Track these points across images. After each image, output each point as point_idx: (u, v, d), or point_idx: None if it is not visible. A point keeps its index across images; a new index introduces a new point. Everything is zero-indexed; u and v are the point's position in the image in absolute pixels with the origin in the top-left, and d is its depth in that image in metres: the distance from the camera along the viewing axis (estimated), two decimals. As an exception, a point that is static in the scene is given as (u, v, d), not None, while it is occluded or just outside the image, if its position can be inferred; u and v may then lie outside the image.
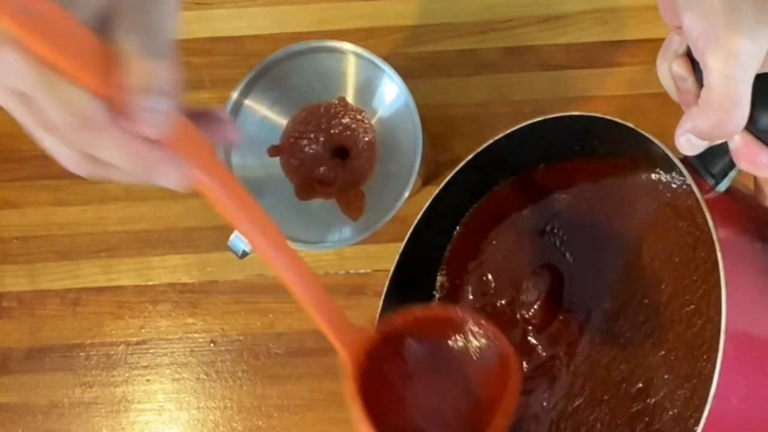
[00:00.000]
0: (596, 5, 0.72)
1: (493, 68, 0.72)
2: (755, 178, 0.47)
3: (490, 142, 0.56)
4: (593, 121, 0.51)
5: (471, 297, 0.61)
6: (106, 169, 0.38)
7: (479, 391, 0.49)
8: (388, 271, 0.71)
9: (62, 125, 0.36)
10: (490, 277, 0.61)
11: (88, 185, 0.73)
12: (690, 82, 0.43)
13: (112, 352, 0.72)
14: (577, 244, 0.59)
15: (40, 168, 0.74)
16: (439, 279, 0.61)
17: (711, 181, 0.47)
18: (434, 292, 0.61)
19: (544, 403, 0.59)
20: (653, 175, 0.55)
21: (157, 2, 0.38)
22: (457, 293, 0.62)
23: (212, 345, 0.72)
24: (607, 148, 0.55)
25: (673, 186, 0.54)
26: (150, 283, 0.73)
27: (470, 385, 0.49)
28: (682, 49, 0.43)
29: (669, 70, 0.44)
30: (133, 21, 0.37)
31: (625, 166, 0.56)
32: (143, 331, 0.72)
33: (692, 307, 0.51)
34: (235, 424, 0.71)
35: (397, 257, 0.59)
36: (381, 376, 0.47)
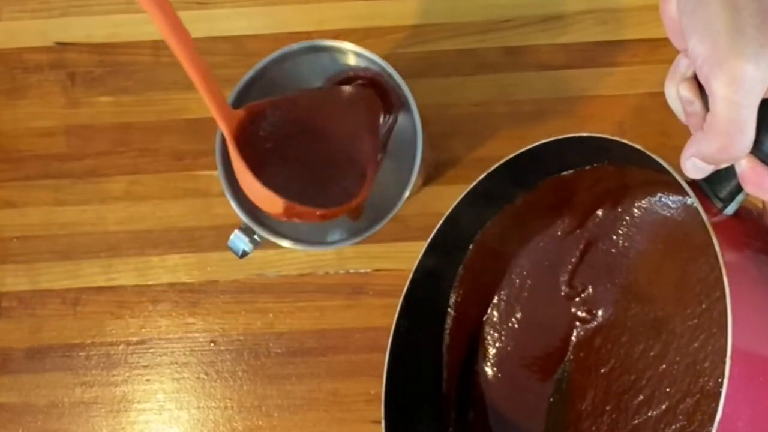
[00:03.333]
0: (596, 5, 0.72)
1: (493, 68, 0.72)
2: (763, 202, 0.47)
3: (502, 162, 0.56)
4: (603, 142, 0.51)
5: (489, 313, 0.62)
6: None
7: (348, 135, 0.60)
8: (388, 270, 0.71)
9: None
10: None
11: (88, 185, 0.73)
12: (697, 105, 0.42)
13: (112, 352, 0.72)
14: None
15: (40, 168, 0.74)
16: (453, 297, 0.61)
17: (719, 205, 0.46)
18: (449, 309, 0.61)
19: (536, 400, 0.59)
20: (661, 194, 0.56)
21: None
22: (469, 312, 0.62)
23: (212, 345, 0.72)
24: (615, 160, 0.55)
25: (681, 205, 0.54)
26: (150, 282, 0.73)
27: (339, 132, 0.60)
28: (690, 72, 0.43)
29: (677, 93, 0.44)
30: None
31: (636, 179, 0.56)
32: (143, 330, 0.72)
33: (695, 321, 0.51)
34: (235, 424, 0.71)
35: (410, 275, 0.58)
36: (255, 145, 0.57)
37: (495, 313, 0.61)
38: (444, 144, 0.72)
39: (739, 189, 0.45)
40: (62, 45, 0.74)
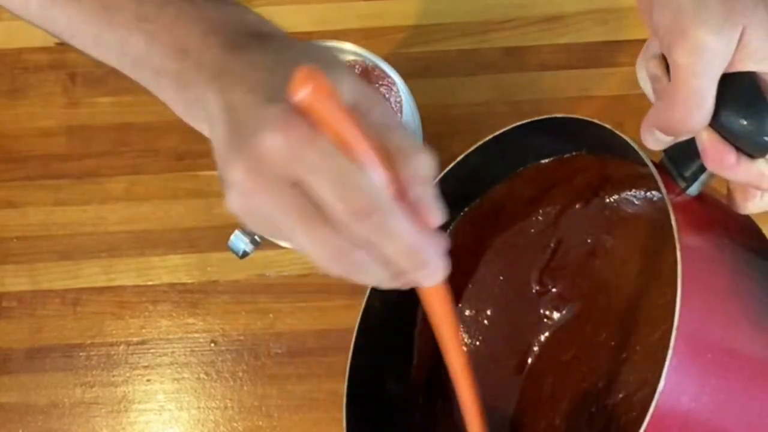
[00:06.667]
0: (596, 5, 0.72)
1: (493, 68, 0.72)
2: (728, 184, 0.47)
3: (475, 147, 0.56)
4: (573, 122, 0.51)
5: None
6: (360, 271, 0.36)
7: None
8: (389, 271, 0.71)
9: (343, 214, 0.33)
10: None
11: (88, 185, 0.73)
12: (664, 81, 0.43)
13: (112, 352, 0.72)
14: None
15: (41, 168, 0.74)
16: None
17: (682, 184, 0.47)
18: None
19: (506, 392, 0.59)
20: (629, 191, 0.56)
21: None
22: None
23: (213, 345, 0.72)
24: (591, 147, 0.55)
25: (650, 200, 0.55)
26: (150, 283, 0.73)
27: None
28: (660, 51, 0.43)
29: (646, 72, 0.44)
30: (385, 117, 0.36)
31: (615, 171, 0.56)
32: (144, 331, 0.72)
33: (657, 312, 0.51)
34: (235, 424, 0.71)
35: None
36: None
37: (467, 308, 0.61)
38: (444, 144, 0.71)
39: (702, 169, 0.45)
40: (63, 45, 0.74)
